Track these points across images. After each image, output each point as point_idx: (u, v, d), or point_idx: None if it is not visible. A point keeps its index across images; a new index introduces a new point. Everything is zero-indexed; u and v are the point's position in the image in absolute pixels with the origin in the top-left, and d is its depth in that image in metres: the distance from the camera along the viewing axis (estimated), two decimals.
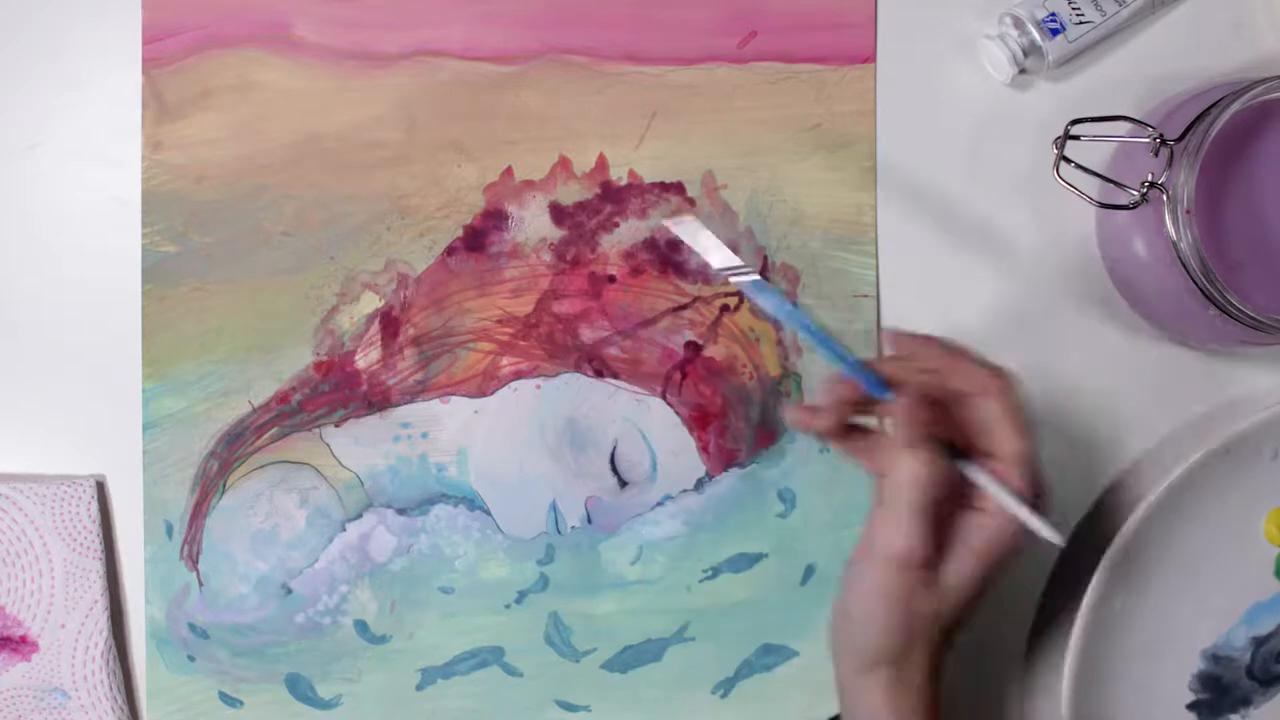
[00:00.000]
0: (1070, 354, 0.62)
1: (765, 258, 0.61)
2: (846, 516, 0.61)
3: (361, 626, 0.60)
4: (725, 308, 0.61)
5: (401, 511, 0.60)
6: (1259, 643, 0.61)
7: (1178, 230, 0.54)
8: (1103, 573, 0.57)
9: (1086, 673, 0.59)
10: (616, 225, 0.61)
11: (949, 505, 0.50)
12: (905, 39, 0.61)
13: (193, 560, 0.60)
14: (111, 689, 0.58)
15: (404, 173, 0.60)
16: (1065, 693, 0.58)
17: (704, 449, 0.61)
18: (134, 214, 0.59)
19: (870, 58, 0.61)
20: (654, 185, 0.60)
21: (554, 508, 0.60)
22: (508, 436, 0.60)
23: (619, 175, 0.60)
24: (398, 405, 0.60)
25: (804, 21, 0.61)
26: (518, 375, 0.60)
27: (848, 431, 0.51)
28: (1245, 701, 0.62)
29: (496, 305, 0.60)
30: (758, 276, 0.50)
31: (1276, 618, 0.61)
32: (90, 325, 0.59)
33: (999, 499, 0.49)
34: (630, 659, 0.61)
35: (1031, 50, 0.59)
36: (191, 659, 0.59)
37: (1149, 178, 0.54)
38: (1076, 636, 0.58)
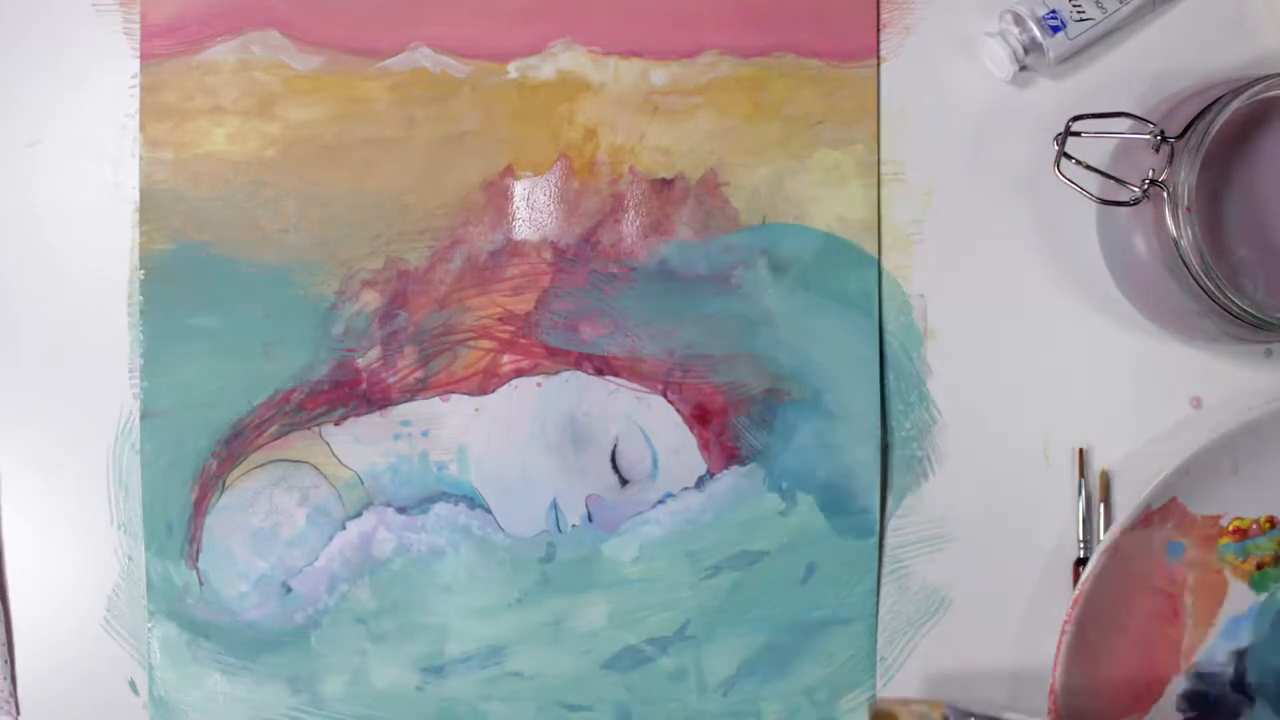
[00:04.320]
0: (1070, 351, 0.61)
1: (766, 255, 0.61)
2: None
3: (362, 625, 0.60)
4: None
5: (402, 510, 0.60)
6: (1240, 655, 0.61)
7: (1178, 227, 0.54)
8: (1079, 603, 0.58)
9: (1073, 697, 0.59)
10: (617, 222, 0.60)
11: None
12: (907, 36, 0.61)
13: (193, 559, 0.59)
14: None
15: (403, 170, 0.60)
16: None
17: (705, 447, 0.61)
18: (132, 211, 0.59)
19: (872, 55, 0.61)
20: (656, 182, 0.60)
21: (555, 506, 0.60)
22: (508, 434, 0.60)
23: (620, 172, 0.60)
24: (398, 403, 0.60)
25: (807, 18, 0.61)
26: (518, 373, 0.60)
27: None
28: (1234, 715, 0.61)
29: (497, 303, 0.60)
30: None
31: (1255, 629, 0.61)
32: (89, 323, 0.59)
33: None
34: (631, 658, 0.61)
35: (1032, 47, 0.59)
36: (192, 658, 0.59)
37: (1150, 175, 0.54)
38: (1061, 662, 0.58)
